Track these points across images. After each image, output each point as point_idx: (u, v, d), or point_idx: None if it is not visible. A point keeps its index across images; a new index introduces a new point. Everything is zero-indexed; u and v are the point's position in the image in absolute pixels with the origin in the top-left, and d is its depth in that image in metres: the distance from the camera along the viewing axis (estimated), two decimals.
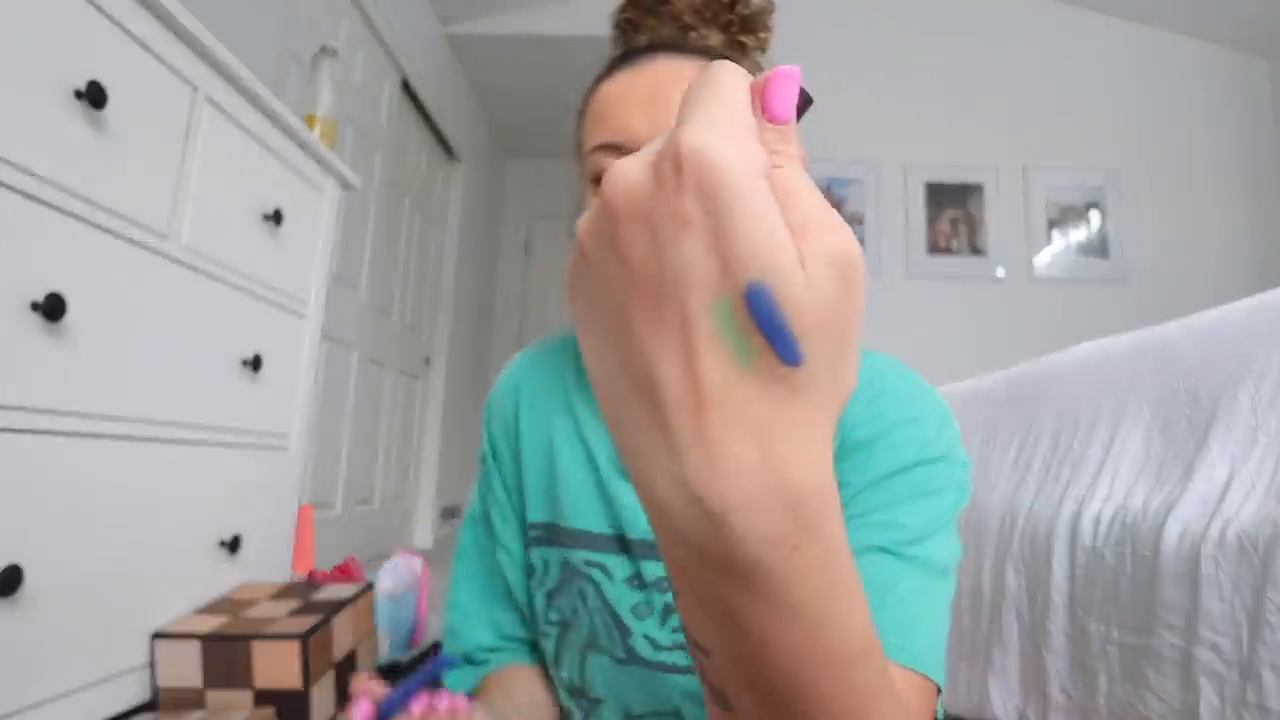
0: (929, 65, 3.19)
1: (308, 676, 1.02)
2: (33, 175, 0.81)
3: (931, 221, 3.10)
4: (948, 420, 0.52)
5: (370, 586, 1.28)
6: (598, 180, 0.52)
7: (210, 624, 1.05)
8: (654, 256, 0.20)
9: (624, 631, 0.53)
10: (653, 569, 0.53)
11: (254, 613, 1.10)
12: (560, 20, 3.27)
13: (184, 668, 1.01)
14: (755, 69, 0.57)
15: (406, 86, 2.97)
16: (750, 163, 0.19)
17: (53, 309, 0.83)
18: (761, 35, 0.60)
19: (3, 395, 0.79)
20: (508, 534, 0.61)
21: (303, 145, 1.39)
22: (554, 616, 0.57)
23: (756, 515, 0.20)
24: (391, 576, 1.44)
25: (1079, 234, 3.09)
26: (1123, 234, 3.08)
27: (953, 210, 3.11)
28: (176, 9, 1.00)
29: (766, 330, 0.19)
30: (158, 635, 1.02)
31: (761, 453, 0.20)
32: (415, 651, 1.42)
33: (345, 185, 1.59)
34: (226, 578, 1.20)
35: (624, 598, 0.53)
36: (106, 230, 0.92)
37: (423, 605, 1.51)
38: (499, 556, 0.61)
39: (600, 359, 0.23)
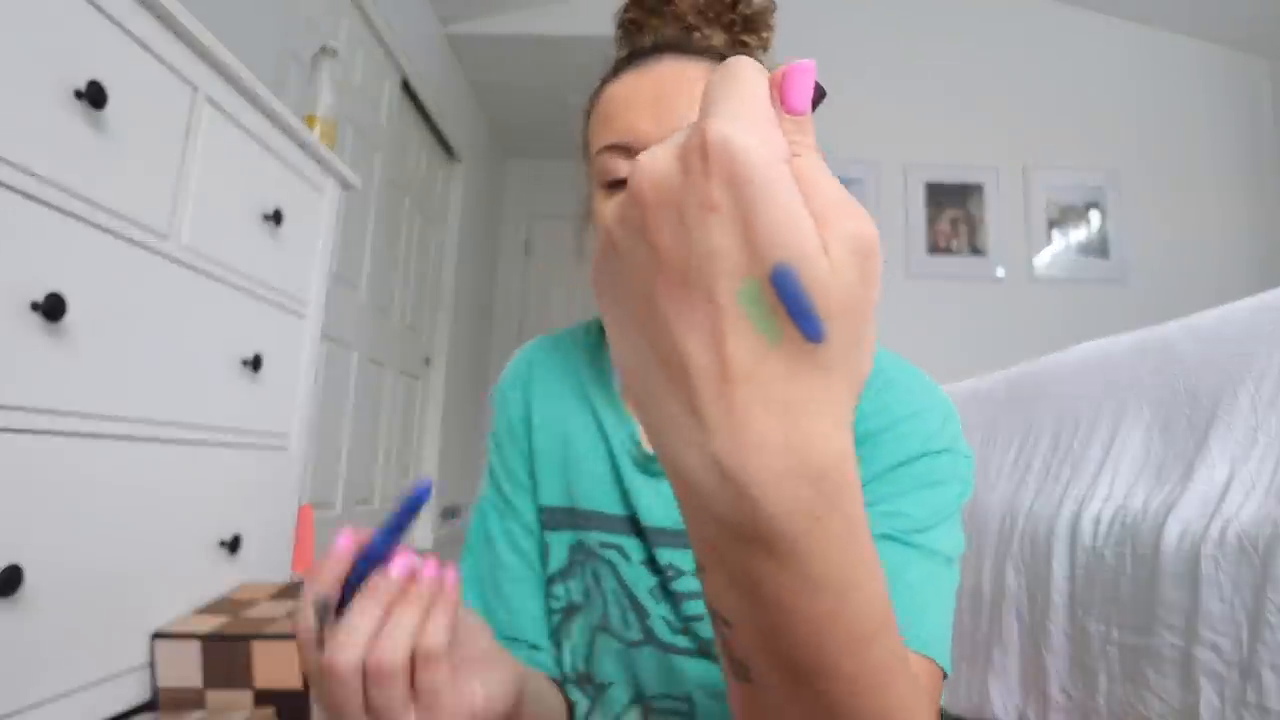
0: (929, 65, 3.19)
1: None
2: (33, 175, 0.81)
3: (931, 221, 3.10)
4: (951, 414, 0.53)
5: None
6: (606, 181, 0.52)
7: (210, 624, 1.05)
8: (682, 242, 0.21)
9: (642, 613, 0.53)
10: (666, 555, 0.53)
11: (254, 613, 1.10)
12: (560, 20, 3.27)
13: (184, 668, 1.01)
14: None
15: (406, 86, 2.97)
16: (773, 152, 0.20)
17: (53, 309, 0.83)
18: (764, 35, 0.61)
19: (3, 395, 0.79)
20: (521, 501, 0.60)
21: (303, 145, 1.39)
22: (558, 600, 0.58)
23: (782, 488, 0.21)
24: None
25: (1079, 234, 3.09)
26: (1123, 234, 3.08)
27: (953, 210, 3.11)
28: (176, 9, 1.00)
29: (792, 310, 0.20)
30: (158, 635, 1.02)
31: (787, 428, 0.21)
32: None
33: (345, 185, 1.59)
34: (226, 578, 1.20)
35: (641, 579, 0.53)
36: (106, 230, 0.92)
37: None
38: (510, 525, 0.60)
39: (628, 343, 0.24)
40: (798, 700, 0.27)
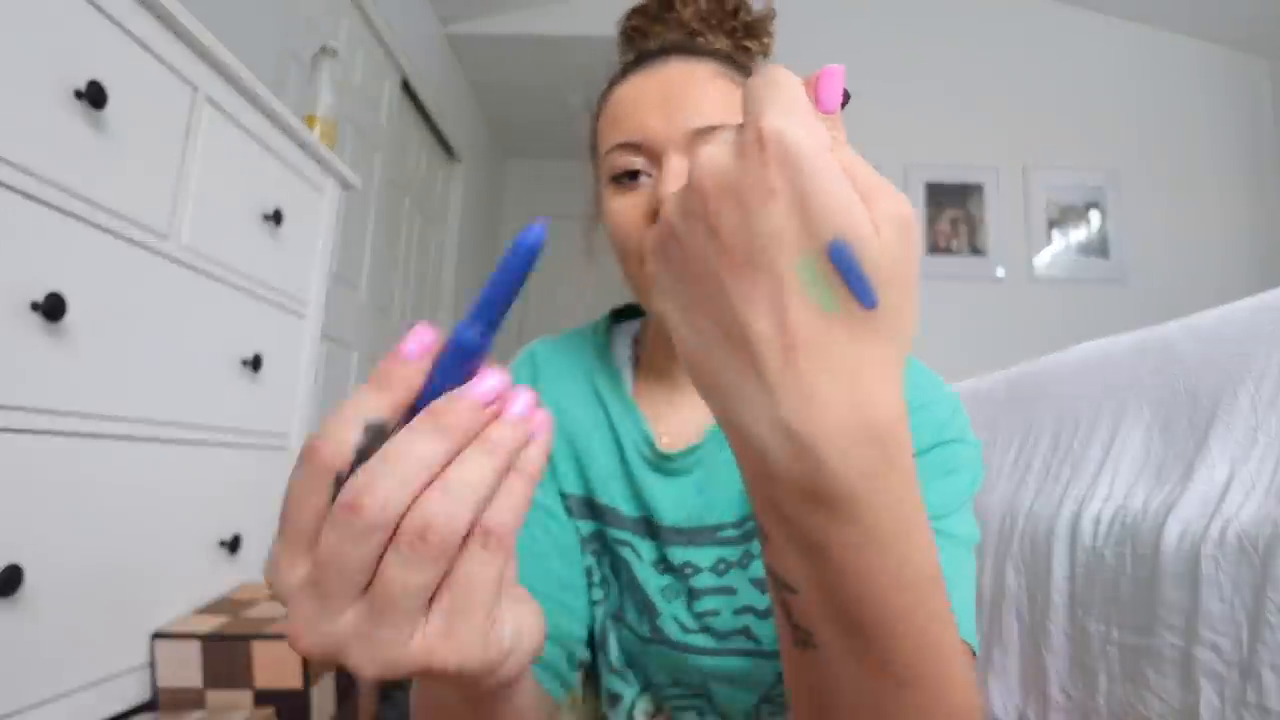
0: (929, 65, 3.19)
1: (308, 676, 1.02)
2: (33, 175, 0.81)
3: (931, 221, 3.10)
4: (959, 406, 0.54)
5: None
6: (616, 179, 0.53)
7: (210, 624, 1.05)
8: (744, 225, 0.23)
9: (652, 612, 0.53)
10: (680, 554, 0.54)
11: (254, 613, 1.10)
12: (560, 20, 3.27)
13: (184, 668, 1.01)
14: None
15: (406, 86, 2.96)
16: (821, 142, 0.23)
17: (53, 309, 0.83)
18: (765, 40, 0.62)
19: (3, 395, 0.79)
20: (546, 490, 0.59)
21: (303, 145, 1.39)
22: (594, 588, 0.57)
23: (846, 444, 0.23)
24: None
25: (1079, 234, 3.09)
26: (1123, 234, 3.07)
27: (953, 210, 3.11)
28: (176, 9, 1.00)
29: (849, 280, 0.22)
30: (158, 635, 1.02)
31: (849, 388, 0.23)
32: None
33: (345, 185, 1.59)
34: (226, 578, 1.19)
35: (652, 579, 0.54)
36: (106, 230, 0.92)
37: None
38: (536, 513, 0.59)
39: (689, 323, 0.26)
40: (861, 662, 0.28)
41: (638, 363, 0.62)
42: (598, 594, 0.55)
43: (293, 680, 1.02)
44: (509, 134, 4.34)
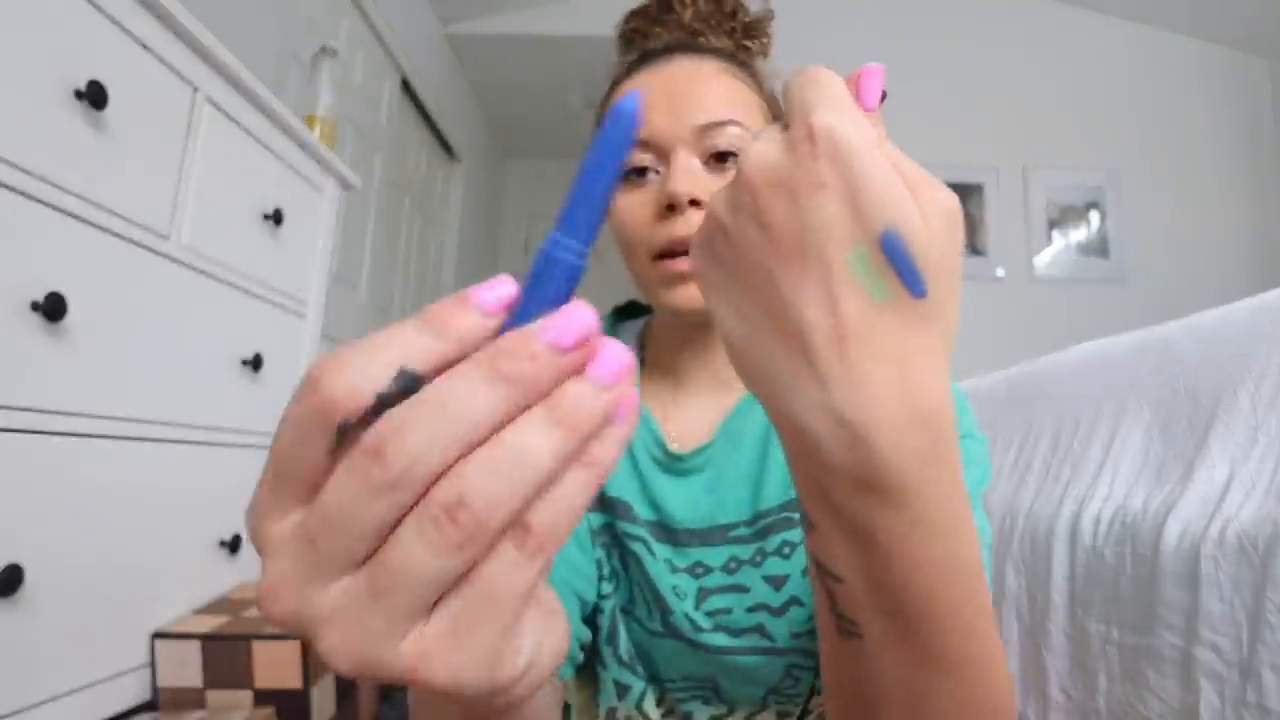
0: (928, 65, 3.19)
1: (308, 676, 1.02)
2: (33, 175, 0.81)
3: None
4: (965, 403, 0.54)
5: None
6: (624, 176, 0.53)
7: (210, 624, 1.05)
8: (794, 218, 0.23)
9: (664, 608, 0.53)
10: (692, 554, 0.54)
11: (254, 613, 1.10)
12: (560, 20, 3.27)
13: (184, 668, 1.01)
14: (761, 72, 0.58)
15: (406, 86, 2.96)
16: (870, 137, 0.23)
17: (53, 309, 0.83)
18: (763, 41, 0.62)
19: (3, 395, 0.79)
20: None
21: (303, 145, 1.39)
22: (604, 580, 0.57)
23: (898, 431, 0.23)
24: None
25: (1079, 234, 3.09)
26: (1123, 234, 3.07)
27: None
28: (176, 9, 1.00)
29: (900, 269, 0.23)
30: (158, 635, 1.02)
31: (899, 377, 0.23)
32: None
33: (345, 185, 1.59)
34: (226, 578, 1.19)
35: (664, 576, 0.53)
36: (106, 230, 0.92)
37: None
38: None
39: (739, 316, 0.26)
40: (905, 652, 0.28)
41: (643, 362, 0.62)
42: (607, 587, 0.55)
43: (293, 680, 1.02)
44: (509, 134, 4.34)
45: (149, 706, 1.01)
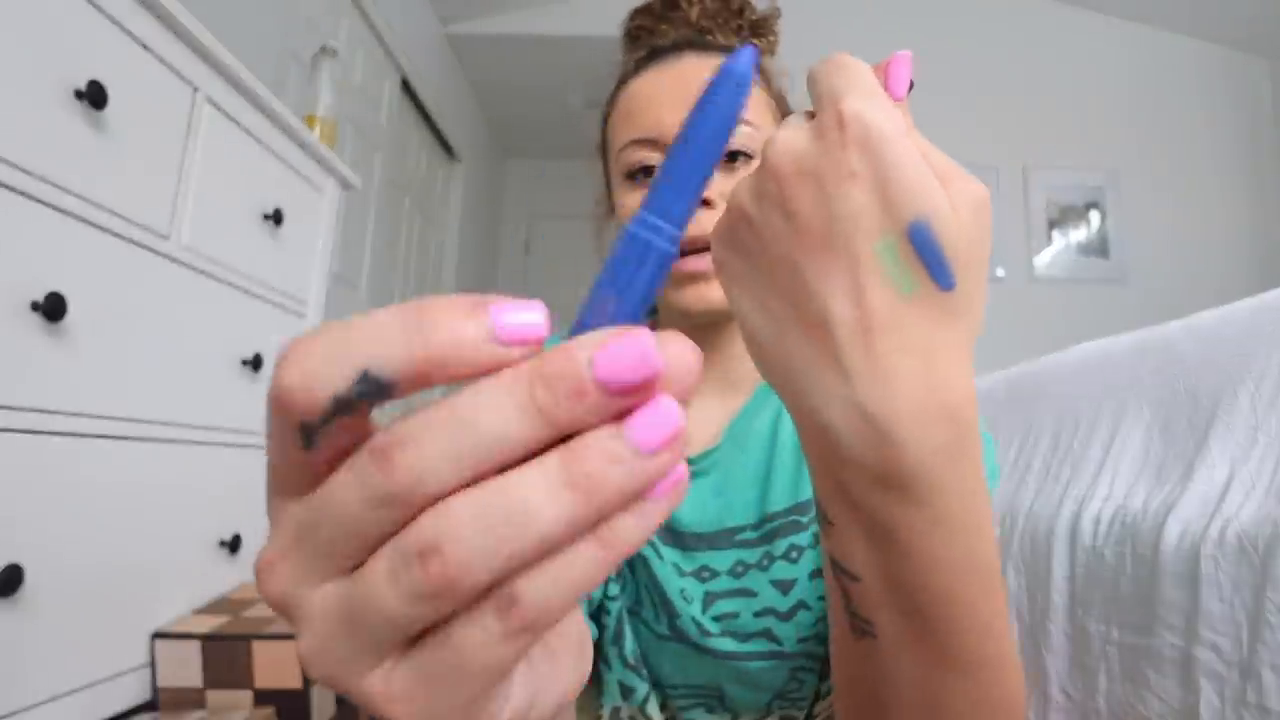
0: (929, 65, 3.18)
1: (308, 676, 1.02)
2: (33, 175, 0.81)
3: None
4: None
5: None
6: (631, 175, 0.53)
7: (210, 624, 1.05)
8: (822, 207, 0.23)
9: (671, 612, 0.53)
10: (698, 558, 0.53)
11: (254, 613, 1.10)
12: (560, 20, 3.26)
13: (184, 668, 1.01)
14: (769, 70, 0.59)
15: (406, 86, 2.96)
16: (900, 125, 0.23)
17: (53, 309, 0.82)
18: (770, 39, 0.62)
19: (3, 395, 0.79)
20: None
21: (303, 145, 1.39)
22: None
23: (922, 425, 0.23)
24: None
25: (1079, 234, 3.09)
26: (1123, 234, 3.07)
27: None
28: (176, 9, 1.00)
29: (928, 261, 0.22)
30: (158, 635, 1.02)
31: (925, 370, 0.23)
32: None
33: (345, 185, 1.59)
34: (226, 578, 1.19)
35: (671, 579, 0.53)
36: (106, 230, 0.92)
37: None
38: None
39: (761, 309, 0.26)
40: (921, 651, 0.27)
41: None
42: (614, 588, 0.55)
43: (293, 680, 1.02)
44: (509, 134, 4.34)
45: (149, 706, 1.01)
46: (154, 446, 1.03)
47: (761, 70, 0.56)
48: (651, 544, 0.54)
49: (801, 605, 0.51)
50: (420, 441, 0.14)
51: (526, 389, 0.14)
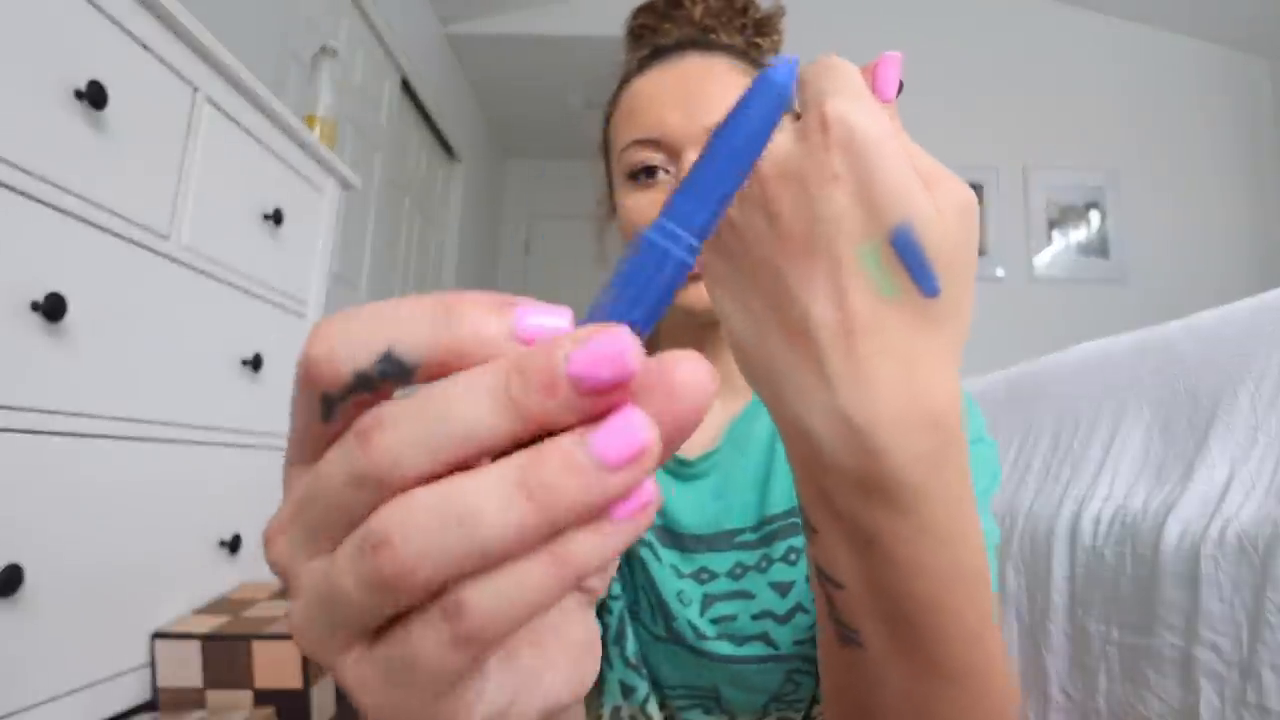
0: (928, 65, 3.19)
1: (308, 676, 1.02)
2: (33, 175, 0.81)
3: None
4: (974, 407, 0.53)
5: None
6: (633, 175, 0.52)
7: (210, 624, 1.05)
8: (804, 210, 0.23)
9: (669, 615, 0.53)
10: (697, 560, 0.53)
11: (254, 613, 1.10)
12: (560, 20, 3.27)
13: (184, 668, 1.01)
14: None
15: (406, 86, 2.96)
16: (886, 127, 0.22)
17: (53, 309, 0.82)
18: (774, 38, 0.61)
19: (3, 395, 0.79)
20: None
21: (303, 145, 1.39)
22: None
23: (904, 431, 0.23)
24: None
25: (1079, 234, 3.09)
26: (1123, 234, 3.07)
27: None
28: (176, 9, 1.00)
29: (911, 265, 0.22)
30: (158, 635, 1.02)
31: (908, 377, 0.22)
32: None
33: (345, 185, 1.59)
34: (226, 578, 1.19)
35: (669, 581, 0.53)
36: (106, 230, 0.92)
37: None
38: None
39: (744, 312, 0.25)
40: (907, 660, 0.27)
41: None
42: (616, 588, 0.55)
43: (293, 680, 1.02)
44: (509, 134, 4.34)
45: (149, 706, 1.01)
46: (154, 446, 1.03)
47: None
48: (650, 546, 0.54)
49: (799, 608, 0.51)
50: (398, 424, 0.14)
51: (503, 379, 0.13)
